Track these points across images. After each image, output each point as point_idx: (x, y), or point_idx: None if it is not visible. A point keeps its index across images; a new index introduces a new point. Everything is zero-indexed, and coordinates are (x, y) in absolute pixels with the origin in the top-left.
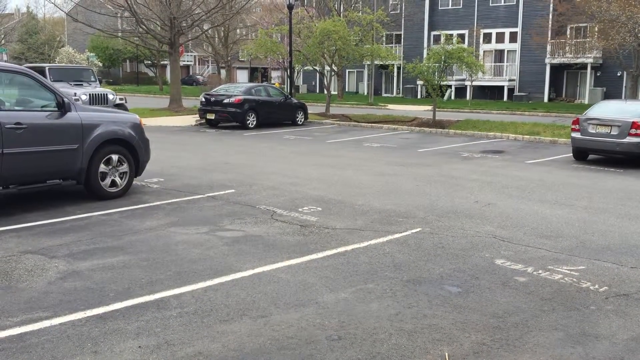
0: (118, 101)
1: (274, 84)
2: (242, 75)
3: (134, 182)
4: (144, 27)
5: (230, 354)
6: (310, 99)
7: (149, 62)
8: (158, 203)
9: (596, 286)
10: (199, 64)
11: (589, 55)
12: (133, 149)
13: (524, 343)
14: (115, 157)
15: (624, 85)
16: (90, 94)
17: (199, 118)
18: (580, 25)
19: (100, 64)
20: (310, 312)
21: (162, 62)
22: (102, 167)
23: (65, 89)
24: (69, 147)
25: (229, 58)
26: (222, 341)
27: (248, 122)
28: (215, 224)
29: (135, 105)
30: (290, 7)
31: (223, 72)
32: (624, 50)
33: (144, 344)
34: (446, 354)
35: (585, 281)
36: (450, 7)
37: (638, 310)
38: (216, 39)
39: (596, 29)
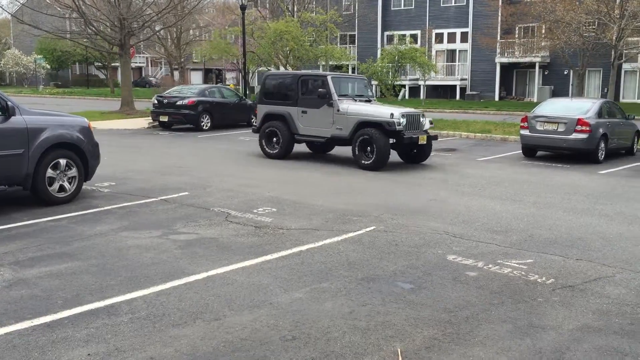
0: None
1: (228, 85)
2: (196, 77)
3: (83, 187)
4: (92, 28)
5: (183, 359)
6: None
7: (99, 64)
8: (109, 207)
9: (543, 278)
10: (151, 66)
11: (537, 55)
12: (82, 152)
13: (474, 336)
14: (63, 161)
15: (571, 83)
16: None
17: (151, 120)
18: (528, 25)
19: (48, 67)
20: (264, 313)
21: (113, 64)
22: (50, 172)
23: (362, 106)
24: (14, 152)
25: (182, 59)
26: (174, 346)
27: (202, 124)
28: (168, 228)
29: (85, 108)
30: (243, 8)
31: (176, 73)
32: (569, 50)
33: (94, 352)
34: (399, 349)
35: (533, 274)
36: (402, 7)
37: (583, 301)
38: (168, 40)
39: (543, 29)
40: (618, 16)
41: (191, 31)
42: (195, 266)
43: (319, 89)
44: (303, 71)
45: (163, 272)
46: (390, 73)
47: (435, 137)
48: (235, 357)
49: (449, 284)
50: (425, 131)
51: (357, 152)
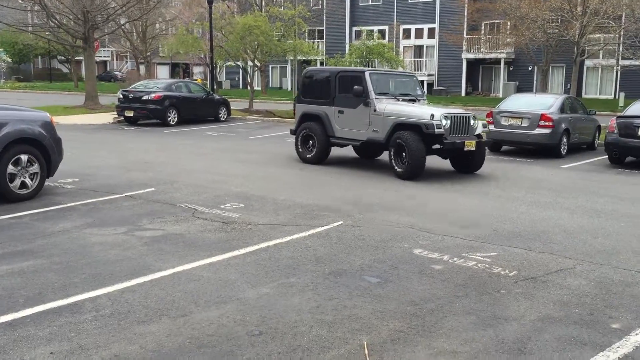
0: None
1: (196, 80)
2: (163, 71)
3: (46, 183)
4: (55, 21)
5: (148, 355)
6: (233, 94)
7: (63, 57)
8: (72, 204)
9: (506, 271)
10: (116, 60)
11: (502, 51)
12: (44, 148)
13: (439, 328)
14: (24, 157)
15: (535, 79)
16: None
17: (116, 115)
18: (494, 22)
19: (9, 60)
20: (231, 308)
21: (77, 58)
22: (11, 168)
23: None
24: None
25: (148, 54)
26: (139, 343)
27: (169, 119)
28: (133, 224)
29: (48, 103)
30: (210, 2)
31: (142, 68)
32: (534, 46)
33: (57, 350)
34: (365, 342)
35: (497, 267)
36: (370, 3)
37: (544, 292)
38: (134, 33)
39: (508, 25)
40: (580, 13)
41: (157, 25)
42: (161, 263)
43: (355, 87)
44: (341, 67)
45: (128, 269)
46: None
47: (489, 143)
48: (201, 353)
49: (415, 278)
50: (477, 136)
51: (392, 158)
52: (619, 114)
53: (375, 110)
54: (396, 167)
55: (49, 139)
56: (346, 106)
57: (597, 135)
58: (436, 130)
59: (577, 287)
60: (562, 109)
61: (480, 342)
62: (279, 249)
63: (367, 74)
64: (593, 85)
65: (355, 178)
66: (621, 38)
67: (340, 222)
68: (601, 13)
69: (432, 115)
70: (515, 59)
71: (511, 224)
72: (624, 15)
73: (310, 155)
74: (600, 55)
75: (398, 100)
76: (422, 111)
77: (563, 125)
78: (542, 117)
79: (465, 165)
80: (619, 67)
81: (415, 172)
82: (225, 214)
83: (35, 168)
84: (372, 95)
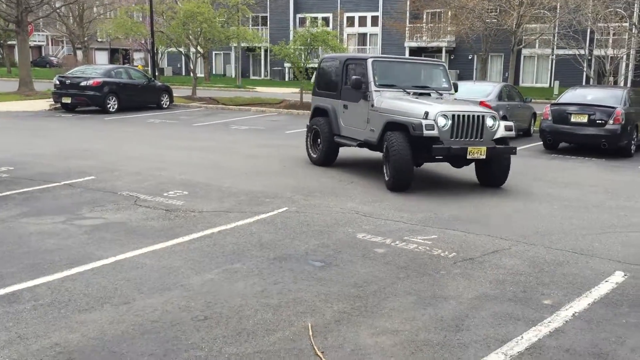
0: None
1: (136, 66)
2: (102, 57)
3: None
4: None
5: (90, 343)
6: (176, 81)
7: None
8: (7, 193)
9: (446, 253)
10: (52, 45)
11: (444, 40)
12: None
13: (381, 309)
14: None
15: (475, 67)
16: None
17: (53, 102)
18: (435, 10)
19: None
20: (175, 295)
21: (9, 43)
22: None
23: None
24: None
25: (85, 38)
26: (81, 331)
27: (109, 105)
28: (72, 213)
29: None
30: None
31: (80, 53)
32: (473, 35)
33: None
34: (309, 324)
35: (437, 249)
36: None
37: (480, 272)
38: (70, 17)
39: (449, 14)
40: (517, 3)
41: (95, 9)
42: (102, 251)
43: (354, 76)
44: (350, 54)
45: (68, 258)
46: (302, 56)
47: (512, 151)
48: (145, 339)
49: (359, 261)
50: (498, 141)
51: (384, 165)
52: (552, 101)
53: (372, 106)
54: (385, 176)
55: None
56: (350, 100)
57: (532, 122)
58: (425, 131)
59: (512, 266)
60: (499, 97)
61: (420, 320)
62: (223, 235)
63: (369, 61)
64: (530, 74)
65: (300, 165)
66: (556, 28)
67: (285, 209)
68: (537, 3)
69: (426, 114)
70: (456, 47)
71: (453, 208)
72: (558, 6)
73: (315, 156)
74: (537, 45)
75: (408, 94)
76: (418, 108)
77: (500, 112)
78: (481, 104)
79: (486, 176)
80: (554, 57)
81: (399, 183)
82: (169, 202)
83: None
84: (372, 86)
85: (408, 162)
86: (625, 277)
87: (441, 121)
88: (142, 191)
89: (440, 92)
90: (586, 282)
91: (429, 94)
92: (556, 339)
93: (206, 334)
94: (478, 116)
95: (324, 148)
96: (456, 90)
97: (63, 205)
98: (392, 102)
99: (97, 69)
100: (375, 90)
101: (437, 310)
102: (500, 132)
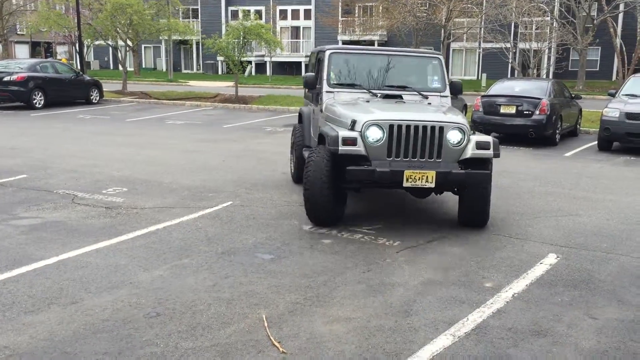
0: None
1: (60, 59)
2: (22, 50)
3: None
4: None
5: (40, 345)
6: (104, 75)
7: None
8: None
9: (391, 241)
10: None
11: (376, 33)
12: None
13: (332, 298)
14: None
15: None
16: None
17: None
18: (367, 4)
19: None
20: (124, 293)
21: None
22: None
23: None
24: None
25: (5, 31)
26: (29, 333)
27: (34, 101)
28: (7, 213)
29: None
30: None
31: None
32: (405, 29)
33: None
34: (264, 315)
35: (382, 238)
36: None
37: (424, 258)
38: None
39: (380, 9)
40: None
41: (14, 0)
42: (43, 251)
43: (306, 73)
44: (327, 46)
45: (7, 259)
46: (236, 49)
47: (486, 178)
48: (97, 338)
49: (307, 252)
50: (468, 162)
51: None
52: (482, 93)
53: (321, 111)
54: None
55: None
56: (314, 103)
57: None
58: (340, 147)
59: (454, 253)
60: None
61: (371, 307)
62: (168, 231)
63: (327, 54)
64: (458, 67)
65: (239, 159)
66: (482, 22)
67: (229, 203)
68: None
69: (353, 123)
70: (387, 41)
71: (396, 199)
72: (484, 1)
73: (291, 171)
74: (465, 38)
75: (375, 96)
76: (349, 116)
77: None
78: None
79: (461, 211)
80: (481, 50)
81: (314, 217)
82: (108, 199)
83: None
84: (325, 86)
85: (322, 189)
86: (558, 258)
87: (372, 133)
88: (78, 189)
89: (427, 93)
90: (523, 264)
91: (400, 96)
92: (499, 319)
93: (160, 330)
94: (432, 127)
95: (294, 161)
96: (457, 92)
97: None
98: (334, 107)
99: (20, 63)
100: (327, 92)
101: (386, 297)
102: (470, 151)
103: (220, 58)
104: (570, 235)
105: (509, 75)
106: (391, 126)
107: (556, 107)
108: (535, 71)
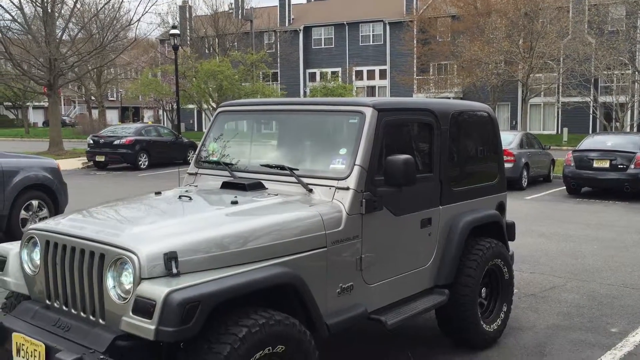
0: None
1: (147, 123)
2: (112, 115)
3: None
4: (20, 69)
5: None
6: (191, 137)
7: (9, 103)
8: None
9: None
10: (64, 105)
11: (451, 90)
12: (53, 193)
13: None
14: (35, 202)
15: None
16: None
17: (86, 160)
18: (442, 63)
19: None
20: None
21: (27, 104)
22: (23, 214)
23: None
24: None
25: (101, 98)
26: None
27: (140, 162)
28: None
29: (6, 150)
30: (176, 48)
31: (96, 112)
32: (482, 86)
33: None
34: None
35: None
36: (323, 46)
37: (545, 306)
38: (89, 78)
39: (455, 67)
40: (527, 55)
41: (112, 70)
42: None
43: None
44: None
45: None
46: None
47: None
48: None
49: None
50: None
51: None
52: (573, 148)
53: None
54: None
55: (57, 184)
56: None
57: (552, 168)
58: None
59: (573, 300)
60: (521, 145)
61: (505, 347)
62: None
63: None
64: (537, 121)
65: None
66: (561, 77)
67: None
68: (546, 54)
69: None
70: (463, 97)
71: None
72: (563, 56)
73: None
74: (542, 94)
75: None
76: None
77: (523, 160)
78: (505, 152)
79: None
80: (559, 104)
81: None
82: None
83: (44, 213)
84: (191, 164)
85: None
86: None
87: (27, 256)
88: None
89: (313, 181)
90: None
91: (259, 185)
92: None
93: None
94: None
95: None
96: (406, 179)
97: None
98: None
99: (127, 128)
100: (189, 174)
101: (518, 339)
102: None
103: None
104: None
105: (590, 129)
106: (47, 242)
107: None
108: (617, 125)
